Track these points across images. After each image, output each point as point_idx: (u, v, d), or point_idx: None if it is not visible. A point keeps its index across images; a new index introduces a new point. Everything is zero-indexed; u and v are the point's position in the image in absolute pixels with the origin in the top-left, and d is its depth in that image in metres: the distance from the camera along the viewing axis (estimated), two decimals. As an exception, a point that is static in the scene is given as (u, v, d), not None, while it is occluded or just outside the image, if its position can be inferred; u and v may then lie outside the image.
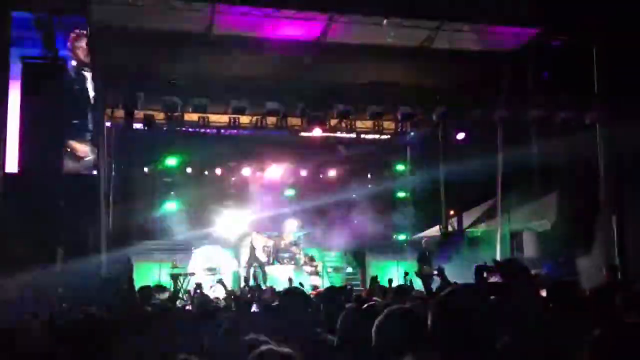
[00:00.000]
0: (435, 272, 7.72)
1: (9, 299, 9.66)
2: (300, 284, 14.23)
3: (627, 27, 15.52)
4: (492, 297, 3.05)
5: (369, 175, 24.38)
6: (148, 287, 10.98)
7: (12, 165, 13.60)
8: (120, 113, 18.76)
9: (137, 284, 11.70)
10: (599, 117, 17.43)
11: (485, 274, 3.68)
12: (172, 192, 22.61)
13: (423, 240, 19.51)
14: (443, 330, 2.38)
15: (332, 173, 23.98)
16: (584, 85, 17.60)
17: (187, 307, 9.64)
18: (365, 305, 5.60)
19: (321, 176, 24.19)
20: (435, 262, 16.40)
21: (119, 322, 5.98)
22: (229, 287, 12.22)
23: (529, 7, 15.54)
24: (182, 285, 17.25)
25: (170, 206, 22.44)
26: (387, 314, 3.19)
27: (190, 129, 20.23)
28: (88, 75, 15.71)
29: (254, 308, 7.35)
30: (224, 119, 19.94)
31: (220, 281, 11.56)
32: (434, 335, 2.41)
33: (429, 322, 2.42)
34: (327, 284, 19.55)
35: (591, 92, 17.61)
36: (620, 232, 16.75)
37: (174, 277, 17.30)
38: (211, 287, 16.01)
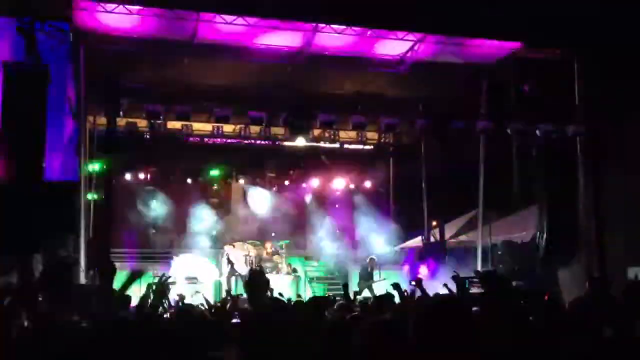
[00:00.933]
0: (413, 283, 7.75)
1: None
2: (280, 294, 14.17)
3: (608, 41, 15.72)
4: (473, 309, 3.07)
5: (351, 186, 24.38)
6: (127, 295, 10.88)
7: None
8: (102, 120, 18.65)
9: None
10: (580, 129, 17.60)
11: (466, 285, 3.69)
12: (153, 200, 22.46)
13: (369, 257, 19.63)
14: (424, 342, 2.39)
15: (315, 182, 23.96)
16: (566, 98, 17.78)
17: (166, 315, 9.54)
18: (349, 316, 5.60)
19: (304, 185, 24.16)
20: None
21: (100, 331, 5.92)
22: (210, 298, 12.12)
23: (511, 21, 15.69)
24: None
25: (152, 214, 22.29)
26: (366, 326, 3.18)
27: (173, 137, 20.16)
28: None
29: (235, 319, 7.27)
30: (207, 127, 19.89)
31: (198, 292, 11.45)
32: (415, 347, 2.41)
33: (409, 333, 2.42)
34: (309, 294, 19.51)
35: (573, 104, 17.79)
36: (601, 244, 16.89)
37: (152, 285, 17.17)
38: (192, 296, 15.92)
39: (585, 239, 17.20)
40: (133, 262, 19.19)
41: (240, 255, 19.98)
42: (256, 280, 4.04)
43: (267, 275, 19.35)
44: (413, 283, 7.86)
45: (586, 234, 17.23)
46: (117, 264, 16.63)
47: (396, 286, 7.48)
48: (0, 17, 14.10)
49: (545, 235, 17.42)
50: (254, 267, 18.31)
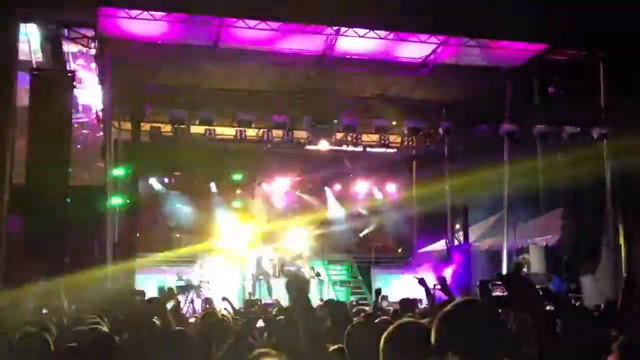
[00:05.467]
0: (438, 285, 7.65)
1: (17, 310, 9.66)
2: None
3: (634, 42, 15.53)
4: (497, 312, 3.04)
5: (375, 188, 24.35)
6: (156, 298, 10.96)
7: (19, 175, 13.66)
8: (127, 125, 18.85)
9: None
10: (606, 132, 17.40)
11: (489, 287, 3.67)
12: (178, 205, 22.63)
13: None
14: (446, 346, 2.38)
15: (338, 186, 23.97)
16: (591, 100, 17.59)
17: (191, 320, 9.60)
18: (374, 319, 5.58)
19: (327, 189, 24.19)
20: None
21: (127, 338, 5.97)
22: (234, 302, 12.16)
23: (535, 23, 15.56)
24: (187, 297, 17.27)
25: (176, 218, 22.46)
26: (396, 328, 3.16)
27: (197, 141, 20.32)
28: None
29: (259, 323, 7.29)
30: (230, 131, 20.00)
31: (224, 299, 11.50)
32: (437, 351, 2.40)
33: (432, 336, 2.42)
34: (332, 297, 19.49)
35: (598, 107, 17.60)
36: (627, 247, 16.67)
37: (179, 289, 17.30)
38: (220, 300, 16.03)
39: (611, 243, 16.98)
40: (159, 266, 19.38)
41: (266, 258, 20.05)
42: (297, 280, 3.94)
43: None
44: (438, 285, 7.75)
45: (613, 237, 17.01)
46: (145, 267, 16.94)
47: (422, 282, 7.19)
48: (27, 24, 14.32)
49: (571, 239, 17.24)
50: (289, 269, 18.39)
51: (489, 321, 2.36)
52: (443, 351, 2.41)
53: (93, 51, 15.63)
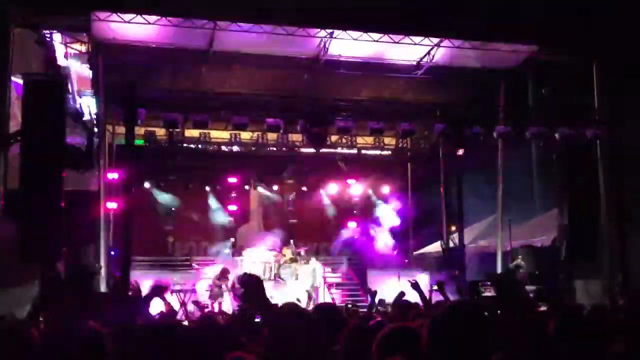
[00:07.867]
0: (435, 288, 7.66)
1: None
2: (298, 299, 14.17)
3: (626, 44, 15.59)
4: (486, 313, 3.04)
5: (369, 191, 24.33)
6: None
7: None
8: (121, 129, 18.79)
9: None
10: (600, 133, 17.43)
11: (479, 288, 3.66)
12: (172, 209, 22.57)
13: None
14: (438, 348, 2.39)
15: (332, 189, 23.95)
16: (584, 101, 17.64)
17: (184, 323, 9.58)
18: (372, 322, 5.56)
19: (322, 192, 24.16)
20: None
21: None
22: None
23: (528, 24, 15.62)
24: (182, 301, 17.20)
25: (171, 222, 22.40)
26: (388, 331, 3.17)
27: (191, 145, 20.28)
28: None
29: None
30: (224, 135, 19.97)
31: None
32: (429, 353, 2.41)
33: (424, 339, 2.42)
34: (328, 300, 19.45)
35: (591, 107, 17.64)
36: (622, 249, 16.70)
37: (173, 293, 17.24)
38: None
39: (606, 243, 17.01)
40: (154, 270, 19.31)
41: (259, 262, 19.97)
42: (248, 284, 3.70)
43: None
44: (435, 288, 7.73)
45: (608, 238, 17.03)
46: (138, 272, 16.92)
47: (415, 286, 7.14)
48: (20, 29, 14.29)
49: (565, 239, 17.25)
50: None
51: (479, 324, 2.37)
52: (434, 354, 2.41)
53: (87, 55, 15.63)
